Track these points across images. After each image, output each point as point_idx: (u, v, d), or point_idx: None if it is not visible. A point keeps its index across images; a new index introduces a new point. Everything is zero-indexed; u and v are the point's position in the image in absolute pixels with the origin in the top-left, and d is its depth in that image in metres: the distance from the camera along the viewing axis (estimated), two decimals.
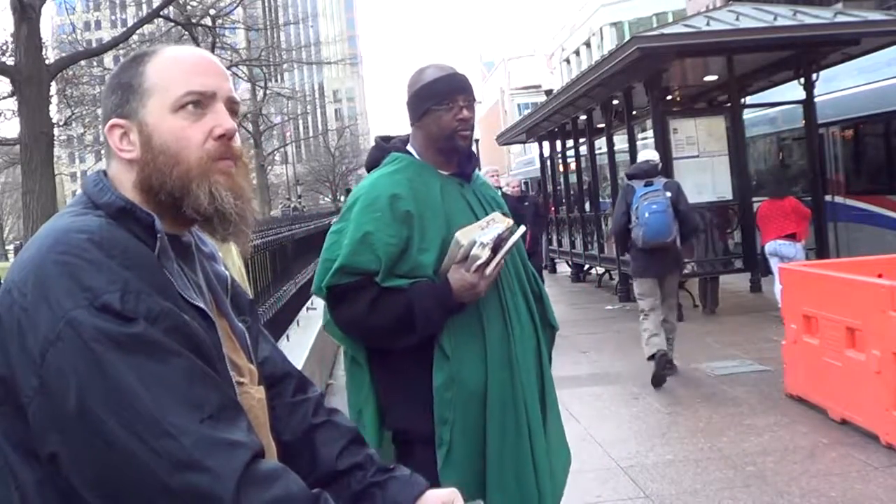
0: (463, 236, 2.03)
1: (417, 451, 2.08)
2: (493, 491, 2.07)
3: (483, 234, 2.04)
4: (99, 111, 1.20)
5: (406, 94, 2.24)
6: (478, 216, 2.18)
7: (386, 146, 2.28)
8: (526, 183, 28.93)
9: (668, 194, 6.06)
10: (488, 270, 2.03)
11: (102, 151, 1.16)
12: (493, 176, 8.14)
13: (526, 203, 9.17)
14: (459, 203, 2.19)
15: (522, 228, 2.18)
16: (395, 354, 2.13)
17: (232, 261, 1.87)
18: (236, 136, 1.13)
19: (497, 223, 2.08)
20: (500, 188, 8.47)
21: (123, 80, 1.12)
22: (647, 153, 6.81)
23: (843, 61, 9.95)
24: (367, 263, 2.05)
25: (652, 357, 6.02)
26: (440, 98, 2.15)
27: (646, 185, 6.16)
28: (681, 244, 6.27)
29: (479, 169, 2.42)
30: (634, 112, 10.74)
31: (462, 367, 2.07)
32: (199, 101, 1.10)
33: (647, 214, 6.02)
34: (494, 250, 2.03)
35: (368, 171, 2.31)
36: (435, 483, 1.99)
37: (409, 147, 2.26)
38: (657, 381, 6.01)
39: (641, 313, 6.27)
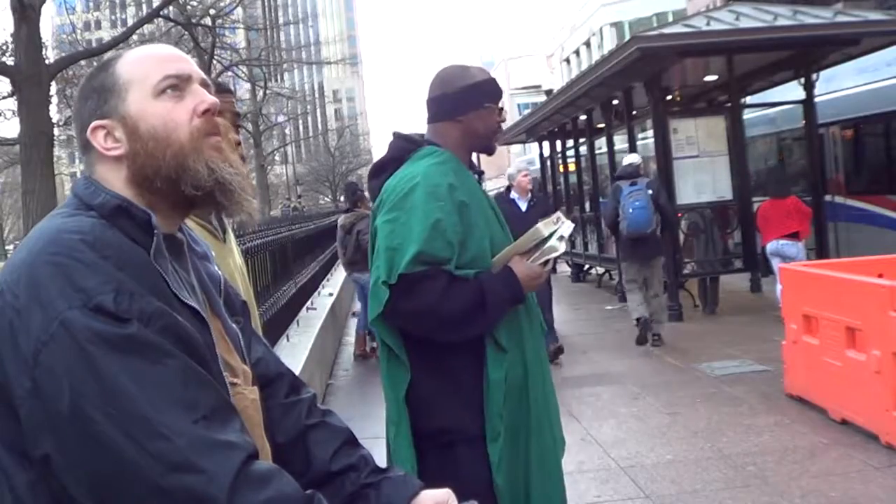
0: (545, 227, 2.13)
1: (461, 451, 2.05)
2: (536, 482, 2.10)
3: (559, 228, 2.15)
4: None
5: (442, 89, 2.23)
6: (495, 212, 2.26)
7: (417, 139, 2.26)
8: None
9: (650, 192, 7.23)
10: (549, 265, 2.13)
11: (82, 160, 1.14)
12: (525, 175, 7.09)
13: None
14: (486, 199, 2.25)
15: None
16: (443, 352, 2.09)
17: (234, 260, 1.86)
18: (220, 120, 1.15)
19: (564, 221, 2.19)
20: (531, 190, 7.30)
21: (96, 84, 1.12)
22: (630, 157, 7.92)
23: (843, 61, 9.93)
24: (441, 251, 2.02)
25: (636, 321, 7.48)
26: (493, 98, 2.21)
27: (631, 185, 7.31)
28: (661, 233, 7.57)
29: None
30: (634, 112, 10.73)
31: (512, 362, 2.10)
32: (177, 85, 1.11)
33: (630, 210, 7.19)
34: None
35: (389, 163, 2.26)
36: (487, 478, 2.02)
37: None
38: (639, 342, 7.51)
39: (629, 292, 7.65)
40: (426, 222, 2.01)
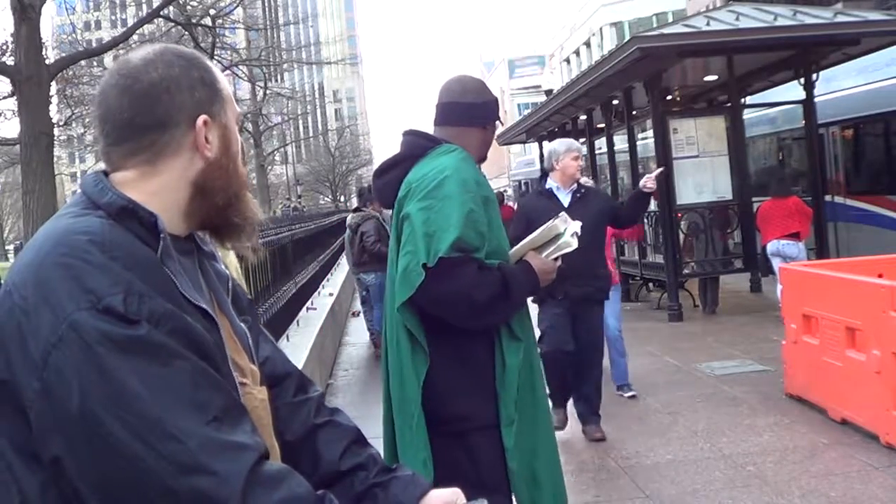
0: (561, 223, 2.29)
1: (474, 438, 2.14)
2: (542, 467, 2.21)
3: (570, 225, 2.31)
4: None
5: (482, 97, 2.42)
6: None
7: (436, 137, 2.38)
8: (526, 183, 28.87)
9: None
10: (559, 261, 2.30)
11: (159, 140, 1.10)
12: (576, 156, 5.17)
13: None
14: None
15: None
16: (462, 340, 2.18)
17: (228, 259, 1.86)
18: None
19: (571, 220, 2.35)
20: (578, 180, 5.33)
21: (206, 78, 1.13)
22: None
23: (843, 61, 9.93)
24: (474, 240, 2.13)
25: None
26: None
27: None
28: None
29: None
30: (634, 112, 10.73)
31: (524, 351, 2.22)
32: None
33: None
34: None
35: (404, 160, 2.35)
36: (500, 464, 2.11)
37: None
38: None
39: None
40: (462, 210, 2.11)
